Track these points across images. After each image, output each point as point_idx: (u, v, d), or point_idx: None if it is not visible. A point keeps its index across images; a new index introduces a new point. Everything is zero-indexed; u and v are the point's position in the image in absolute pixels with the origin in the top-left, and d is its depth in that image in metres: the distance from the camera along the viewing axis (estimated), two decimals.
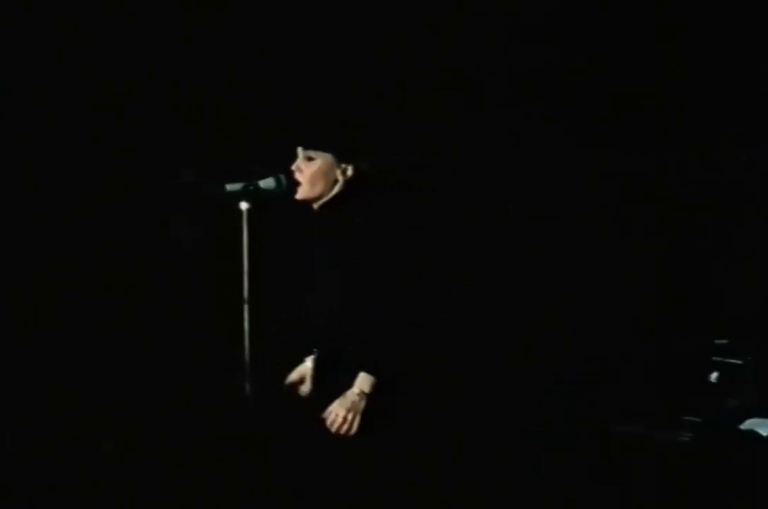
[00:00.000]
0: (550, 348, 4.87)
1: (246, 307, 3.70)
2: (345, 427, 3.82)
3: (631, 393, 4.69)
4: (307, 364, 4.08)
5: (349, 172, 4.07)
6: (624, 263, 4.88)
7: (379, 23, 4.78)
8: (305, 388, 4.07)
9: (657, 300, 4.85)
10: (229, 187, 3.87)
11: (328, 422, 3.83)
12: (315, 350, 4.04)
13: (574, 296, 4.89)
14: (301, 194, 4.04)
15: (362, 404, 3.82)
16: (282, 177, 3.97)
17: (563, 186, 4.83)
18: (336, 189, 4.07)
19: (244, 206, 3.82)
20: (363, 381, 3.84)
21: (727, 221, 4.74)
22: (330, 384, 3.94)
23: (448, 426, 4.12)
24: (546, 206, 4.85)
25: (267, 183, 3.95)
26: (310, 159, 4.07)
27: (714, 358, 4.57)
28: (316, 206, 4.08)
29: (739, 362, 4.55)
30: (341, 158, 4.05)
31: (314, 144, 4.05)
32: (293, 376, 4.10)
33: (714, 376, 4.53)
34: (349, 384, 3.84)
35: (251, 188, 3.87)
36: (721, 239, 4.79)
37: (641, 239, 4.90)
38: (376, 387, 3.83)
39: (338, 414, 3.82)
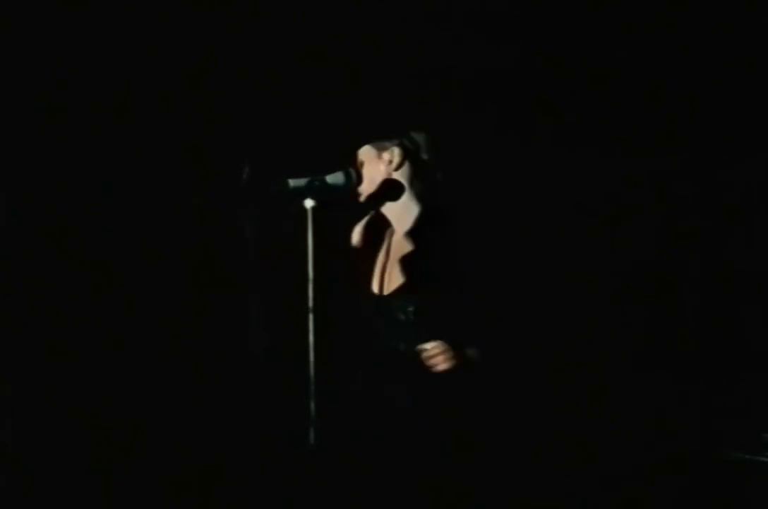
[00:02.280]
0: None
1: (311, 317, 3.08)
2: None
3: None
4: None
5: (396, 159, 3.59)
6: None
7: (381, 21, 4.46)
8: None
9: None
10: (293, 183, 3.35)
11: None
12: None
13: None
14: (362, 197, 3.59)
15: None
16: (352, 171, 3.47)
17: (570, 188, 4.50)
18: (404, 183, 3.58)
19: (309, 203, 3.29)
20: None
21: (733, 222, 4.43)
22: None
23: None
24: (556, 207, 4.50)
25: (335, 178, 3.44)
26: (362, 165, 3.61)
27: None
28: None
29: None
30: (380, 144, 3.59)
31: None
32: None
33: None
34: None
35: (317, 183, 3.35)
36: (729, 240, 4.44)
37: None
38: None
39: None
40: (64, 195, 4.41)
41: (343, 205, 3.51)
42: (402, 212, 3.62)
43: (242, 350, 4.21)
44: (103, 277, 4.46)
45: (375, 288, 3.58)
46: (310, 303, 3.12)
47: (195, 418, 4.42)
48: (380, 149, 3.61)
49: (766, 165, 4.33)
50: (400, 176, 3.61)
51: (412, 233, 3.59)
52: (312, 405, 3.02)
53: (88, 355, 4.41)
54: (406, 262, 3.54)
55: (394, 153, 3.59)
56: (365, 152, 3.61)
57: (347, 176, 3.43)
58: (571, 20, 4.41)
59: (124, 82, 4.44)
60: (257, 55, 4.49)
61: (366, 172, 3.58)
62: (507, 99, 4.47)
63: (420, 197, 3.63)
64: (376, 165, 3.58)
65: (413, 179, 3.62)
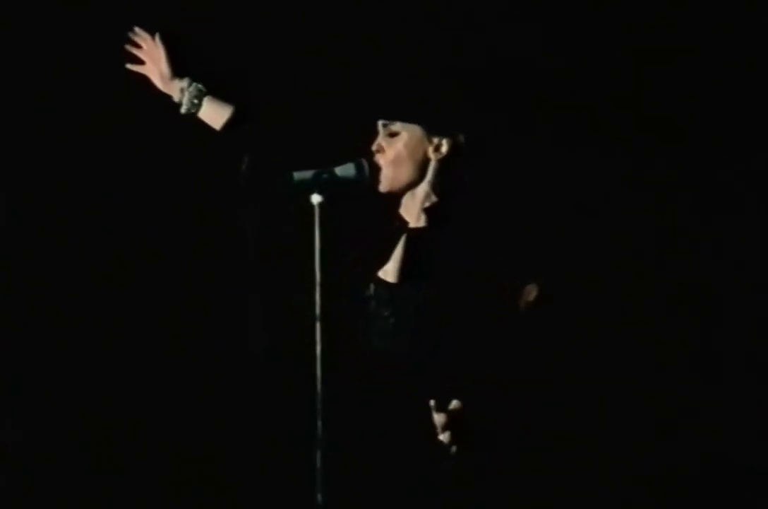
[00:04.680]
0: None
1: (318, 325, 2.47)
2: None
3: None
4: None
5: (444, 148, 3.03)
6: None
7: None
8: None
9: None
10: (298, 175, 2.76)
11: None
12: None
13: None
14: (385, 183, 3.01)
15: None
16: (364, 162, 2.86)
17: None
18: (430, 173, 3.03)
19: (316, 199, 2.71)
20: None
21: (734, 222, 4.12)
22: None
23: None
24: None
25: (345, 170, 2.83)
26: (393, 135, 3.05)
27: None
28: (405, 200, 3.05)
29: None
30: (431, 131, 3.04)
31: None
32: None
33: None
34: None
35: (325, 176, 2.76)
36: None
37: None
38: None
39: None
40: (64, 195, 4.09)
41: (354, 200, 2.98)
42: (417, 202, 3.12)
43: (242, 354, 3.95)
44: (103, 277, 4.12)
45: (391, 277, 3.04)
46: (318, 310, 2.50)
47: (195, 419, 4.04)
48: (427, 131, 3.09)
49: (766, 165, 4.01)
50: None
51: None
52: (319, 424, 2.40)
53: (88, 355, 4.07)
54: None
55: (444, 142, 3.04)
56: (411, 128, 3.03)
57: (359, 167, 2.84)
58: (571, 20, 4.08)
59: (123, 82, 3.94)
60: (257, 51, 4.12)
61: (404, 147, 3.03)
62: (506, 99, 4.10)
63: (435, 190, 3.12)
64: (422, 144, 3.04)
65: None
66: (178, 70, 3.51)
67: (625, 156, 4.09)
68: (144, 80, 3.92)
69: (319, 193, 2.69)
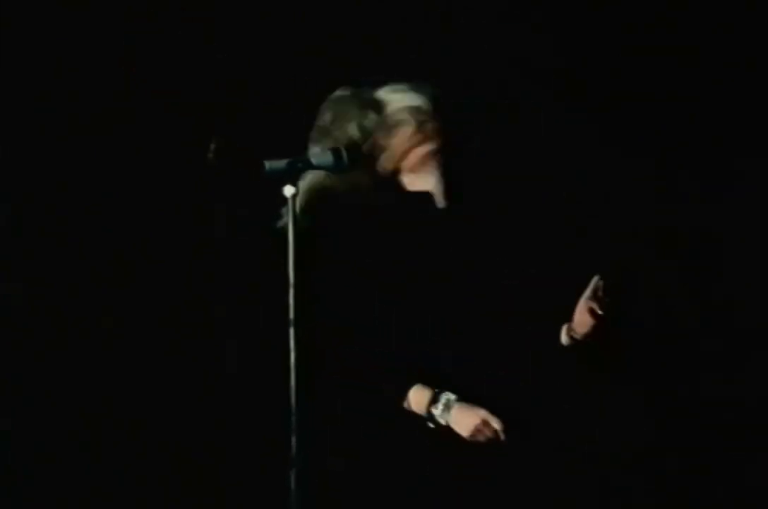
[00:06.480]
0: None
1: (292, 331, 2.08)
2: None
3: None
4: None
5: None
6: None
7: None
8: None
9: None
10: (269, 165, 2.36)
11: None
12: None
13: None
14: None
15: None
16: (342, 150, 2.45)
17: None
18: None
19: (289, 191, 2.30)
20: None
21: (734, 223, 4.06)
22: None
23: None
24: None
25: (322, 159, 2.43)
26: None
27: None
28: None
29: None
30: None
31: None
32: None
33: None
34: None
35: (300, 165, 2.35)
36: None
37: None
38: None
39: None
40: (64, 195, 3.95)
41: None
42: None
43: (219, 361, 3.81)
44: (103, 277, 3.97)
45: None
46: (291, 314, 2.10)
47: (193, 420, 3.87)
48: None
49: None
50: None
51: None
52: (293, 439, 2.01)
53: (88, 355, 3.92)
54: None
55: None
56: None
57: (337, 155, 2.45)
58: (572, 19, 4.02)
59: (123, 82, 3.97)
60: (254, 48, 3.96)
61: None
62: (506, 99, 4.06)
63: None
64: None
65: None
66: None
67: (624, 156, 3.95)
68: (143, 80, 3.91)
69: (293, 184, 2.31)
